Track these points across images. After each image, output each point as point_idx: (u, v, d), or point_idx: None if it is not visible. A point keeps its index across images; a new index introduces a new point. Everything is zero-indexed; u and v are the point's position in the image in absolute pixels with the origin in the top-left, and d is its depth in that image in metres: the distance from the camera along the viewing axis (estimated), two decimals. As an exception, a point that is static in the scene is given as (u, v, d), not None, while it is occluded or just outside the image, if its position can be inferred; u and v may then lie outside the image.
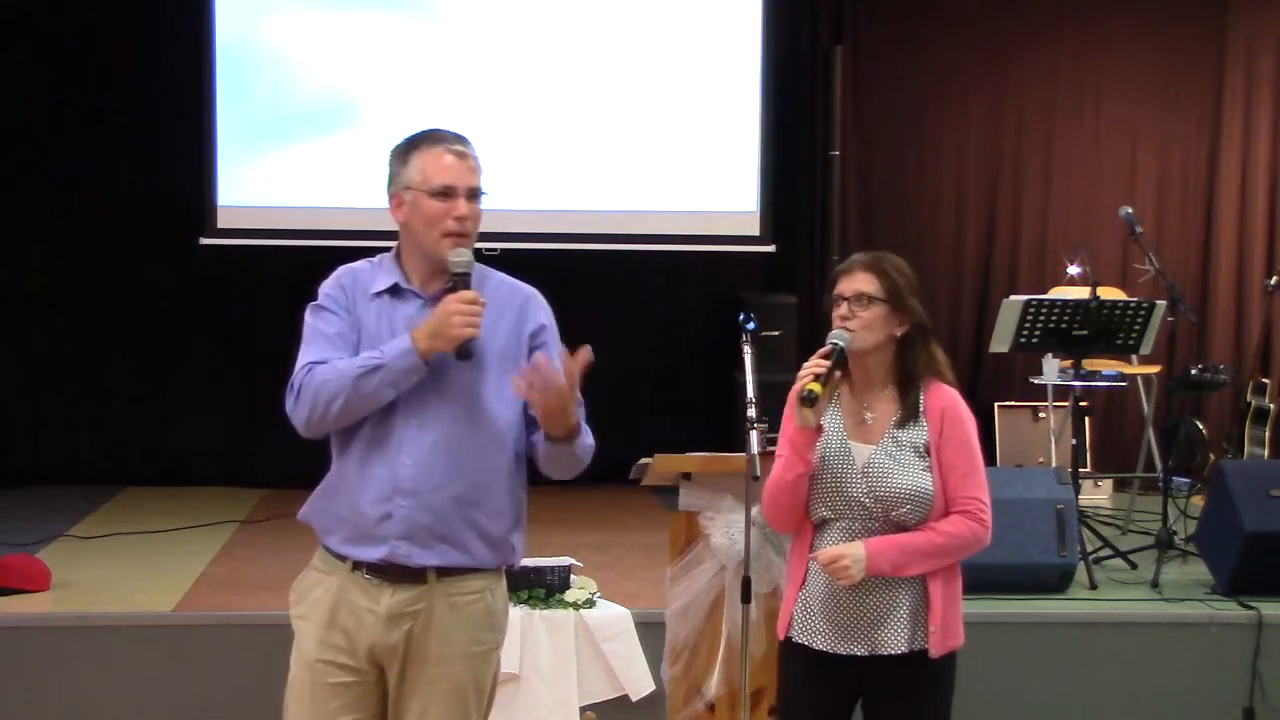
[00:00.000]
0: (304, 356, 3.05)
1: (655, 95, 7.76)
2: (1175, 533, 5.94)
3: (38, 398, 7.70)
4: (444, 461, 3.02)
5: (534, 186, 7.64)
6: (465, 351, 2.98)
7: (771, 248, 7.87)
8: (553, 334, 3.17)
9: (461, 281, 3.02)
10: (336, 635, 3.06)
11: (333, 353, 3.02)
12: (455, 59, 7.65)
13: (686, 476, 4.25)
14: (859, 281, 3.26)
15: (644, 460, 4.24)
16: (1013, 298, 6.22)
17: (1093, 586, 5.53)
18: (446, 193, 3.03)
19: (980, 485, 3.28)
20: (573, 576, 5.01)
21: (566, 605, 4.92)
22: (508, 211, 7.53)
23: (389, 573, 3.03)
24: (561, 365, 2.95)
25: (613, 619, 4.94)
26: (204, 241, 7.55)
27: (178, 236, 7.56)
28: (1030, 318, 5.99)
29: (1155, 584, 5.56)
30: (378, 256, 3.16)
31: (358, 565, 3.05)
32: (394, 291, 3.09)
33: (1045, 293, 6.88)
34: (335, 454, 3.10)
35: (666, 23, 7.78)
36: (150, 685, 4.94)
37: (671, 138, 7.77)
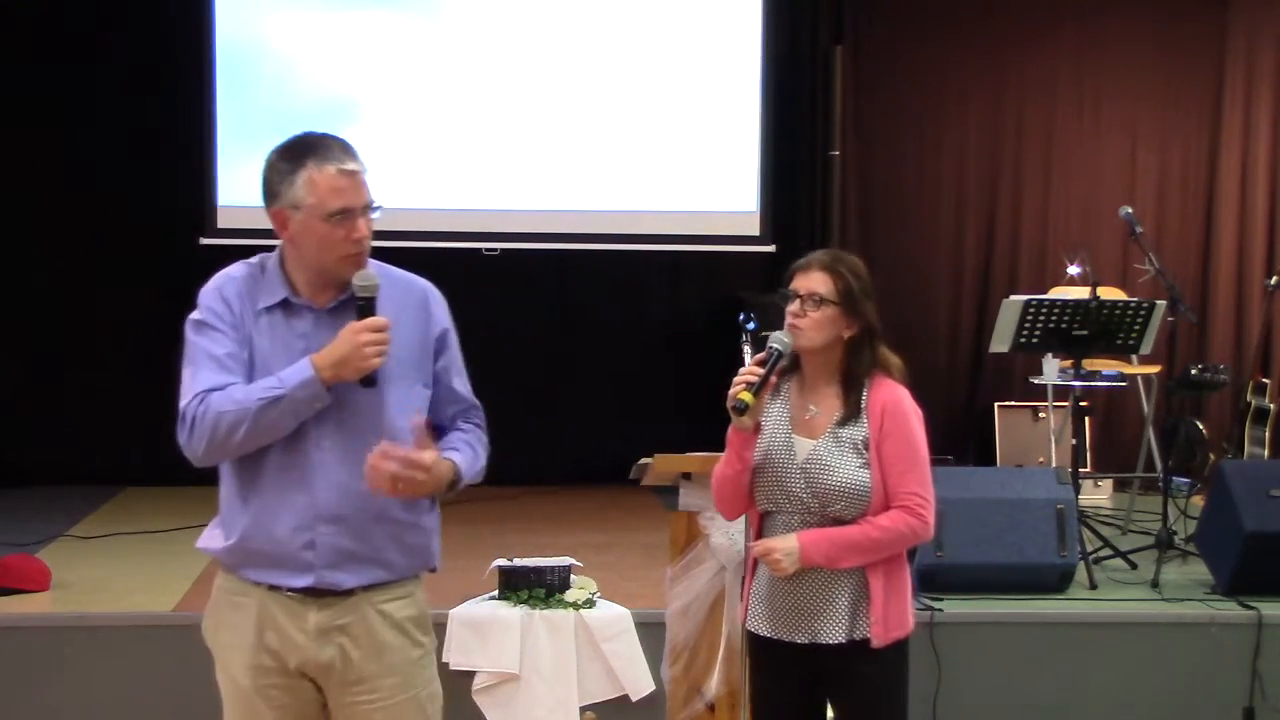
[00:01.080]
0: (193, 382, 2.88)
1: (655, 95, 7.76)
2: (1175, 533, 5.94)
3: (38, 397, 7.69)
4: (361, 483, 2.86)
5: (534, 186, 7.63)
6: (370, 380, 2.87)
7: (771, 248, 7.86)
8: (454, 338, 3.06)
9: (369, 306, 2.87)
10: (264, 657, 2.95)
11: (225, 377, 2.87)
12: (455, 59, 7.65)
13: (686, 476, 4.25)
14: (814, 281, 3.30)
15: (644, 460, 4.24)
16: (1013, 298, 6.22)
17: (1093, 586, 5.53)
18: (343, 215, 2.85)
19: (921, 481, 3.30)
20: (573, 576, 5.01)
21: (566, 605, 4.92)
22: (508, 211, 7.54)
23: (312, 593, 2.93)
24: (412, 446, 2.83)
25: (613, 619, 4.94)
26: (204, 241, 7.54)
27: (178, 236, 7.56)
28: (1030, 318, 5.99)
29: (1155, 584, 5.56)
30: (257, 259, 3.01)
31: (276, 586, 2.94)
32: (284, 305, 2.94)
33: (1045, 293, 6.88)
34: (236, 484, 2.95)
35: (666, 23, 7.78)
36: (150, 685, 4.93)
37: (671, 138, 7.77)
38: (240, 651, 2.97)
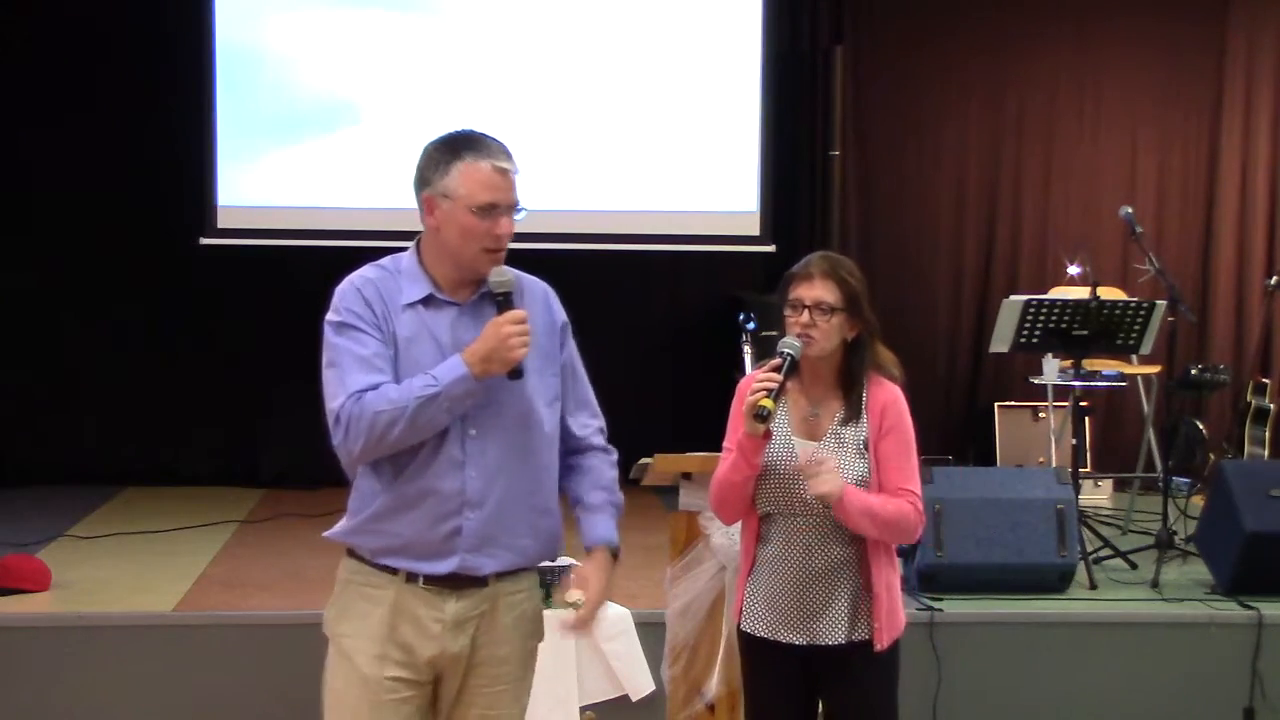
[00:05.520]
0: (344, 384, 2.92)
1: (655, 95, 7.76)
2: (1175, 533, 5.94)
3: (38, 398, 7.69)
4: (506, 469, 3.00)
5: (534, 186, 7.59)
6: (518, 371, 2.94)
7: (771, 248, 7.86)
8: (569, 329, 3.19)
9: (506, 301, 2.96)
10: (395, 650, 2.99)
11: (375, 376, 2.92)
12: (455, 58, 7.65)
13: (686, 476, 4.25)
14: (819, 290, 3.29)
15: (644, 460, 4.24)
16: (1013, 298, 6.22)
17: (1093, 586, 5.53)
18: (489, 209, 2.95)
19: (914, 479, 3.34)
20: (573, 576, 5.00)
21: (566, 605, 4.91)
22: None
23: (451, 582, 3.00)
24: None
25: (613, 619, 4.92)
26: (204, 241, 7.55)
27: (178, 236, 7.56)
28: (1030, 318, 5.99)
29: (1155, 584, 5.56)
30: (388, 260, 3.07)
31: (412, 576, 3.00)
32: (427, 300, 3.01)
33: (1045, 293, 6.87)
34: (385, 475, 2.99)
35: (666, 22, 7.78)
36: (150, 685, 4.94)
37: (671, 138, 7.77)
38: (367, 642, 3.00)
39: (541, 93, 7.69)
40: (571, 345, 3.17)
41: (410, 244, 3.10)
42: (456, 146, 2.98)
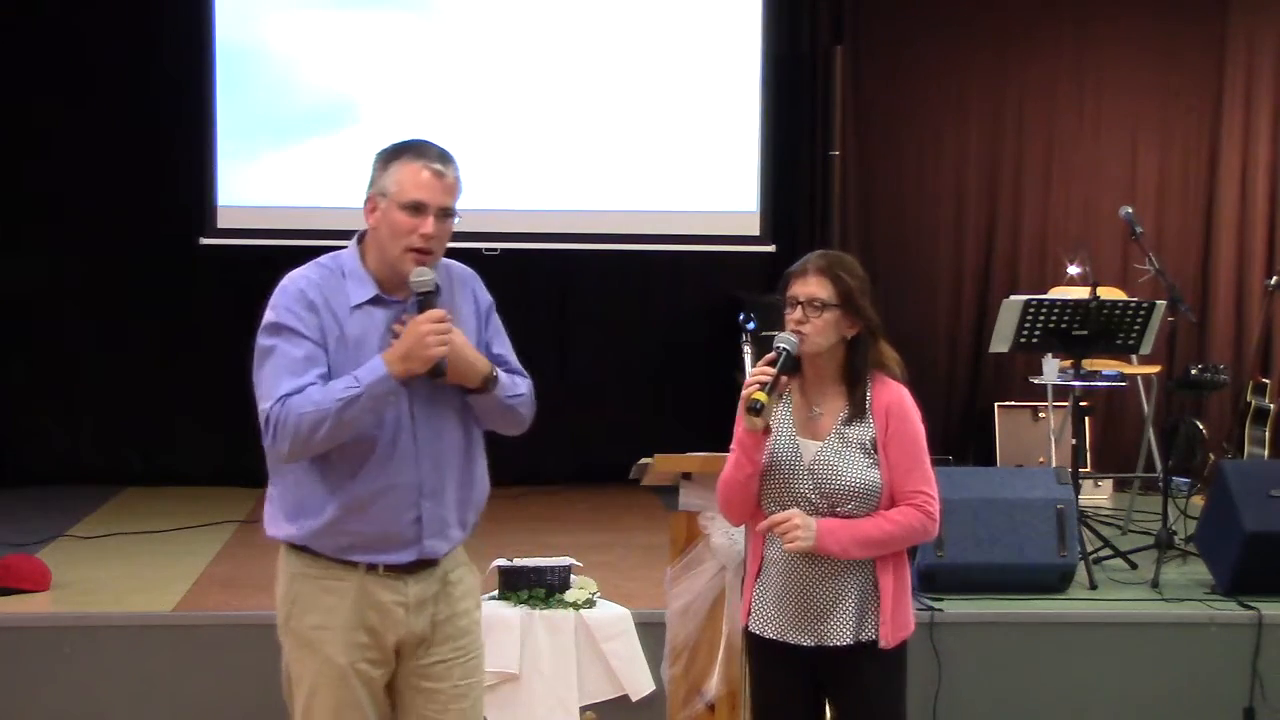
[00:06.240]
0: (274, 387, 2.99)
1: (655, 95, 7.76)
2: (1175, 533, 5.94)
3: (38, 397, 7.70)
4: (451, 456, 3.13)
5: (534, 186, 7.64)
6: (438, 370, 3.00)
7: (771, 248, 7.86)
8: (494, 310, 3.29)
9: (427, 300, 3.03)
10: (363, 635, 3.09)
11: (301, 379, 2.99)
12: (455, 58, 7.65)
13: (686, 476, 4.24)
14: (812, 286, 3.30)
15: (644, 460, 4.24)
16: (1013, 298, 6.22)
17: (1093, 586, 5.53)
18: (417, 208, 3.03)
19: (926, 479, 3.33)
20: (573, 576, 5.01)
21: (566, 605, 4.92)
22: (508, 211, 7.53)
23: (410, 566, 3.11)
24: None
25: (613, 619, 4.93)
26: (204, 241, 7.55)
27: (178, 237, 7.56)
28: (1030, 318, 5.99)
29: (1155, 584, 5.56)
30: (328, 259, 3.15)
31: (372, 566, 3.09)
32: (374, 301, 3.10)
33: (1045, 293, 6.87)
34: (335, 475, 3.05)
35: (666, 23, 7.78)
36: (150, 685, 4.94)
37: (671, 138, 7.77)
38: (336, 632, 3.08)
39: (542, 93, 7.69)
40: (495, 321, 3.26)
41: (350, 240, 3.19)
42: (399, 149, 3.09)
